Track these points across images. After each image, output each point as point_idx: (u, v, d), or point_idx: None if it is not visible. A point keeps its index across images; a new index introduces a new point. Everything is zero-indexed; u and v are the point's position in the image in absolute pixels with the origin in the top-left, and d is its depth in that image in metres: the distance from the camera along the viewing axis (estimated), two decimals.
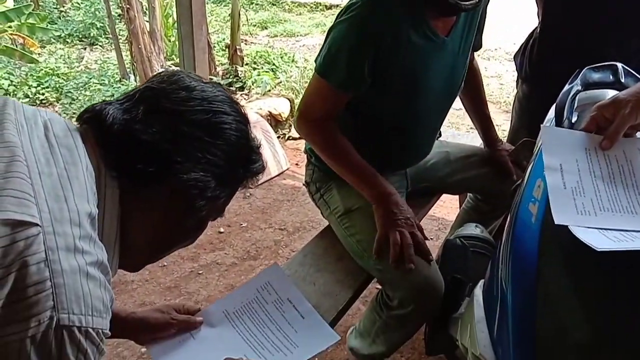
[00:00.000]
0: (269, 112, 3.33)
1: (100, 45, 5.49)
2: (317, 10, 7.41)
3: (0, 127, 0.59)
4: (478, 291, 1.09)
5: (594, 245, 0.69)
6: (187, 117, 0.68)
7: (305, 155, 1.53)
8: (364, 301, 1.86)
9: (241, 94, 3.86)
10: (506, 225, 1.09)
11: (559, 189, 0.85)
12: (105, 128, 0.66)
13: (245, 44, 5.29)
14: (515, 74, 1.80)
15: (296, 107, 1.34)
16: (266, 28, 6.46)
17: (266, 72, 4.26)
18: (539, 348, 0.82)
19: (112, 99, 0.75)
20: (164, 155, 0.66)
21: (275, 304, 1.11)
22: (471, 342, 0.99)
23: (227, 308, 1.10)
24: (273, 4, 7.54)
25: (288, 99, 3.54)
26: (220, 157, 0.70)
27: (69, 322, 0.52)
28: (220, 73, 4.16)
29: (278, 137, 3.21)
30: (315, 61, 1.28)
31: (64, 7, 6.30)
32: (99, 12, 5.85)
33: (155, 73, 0.76)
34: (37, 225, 0.53)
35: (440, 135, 1.59)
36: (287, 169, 2.95)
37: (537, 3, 1.64)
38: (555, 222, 0.75)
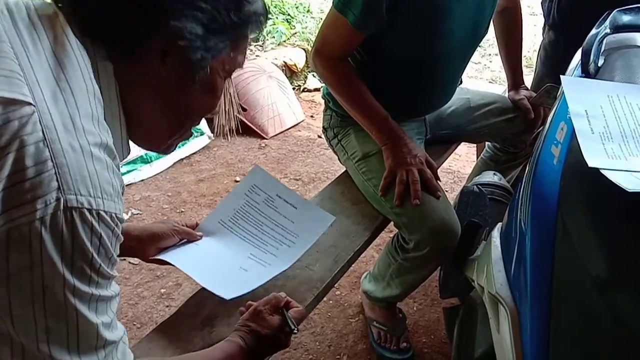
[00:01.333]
0: (284, 62, 3.29)
1: None
2: None
3: None
4: (496, 234, 1.10)
5: (626, 186, 0.69)
6: None
7: (323, 102, 1.52)
8: (378, 249, 1.89)
9: (255, 45, 3.81)
10: (527, 168, 1.09)
11: (587, 133, 0.85)
12: None
13: None
14: (541, 22, 1.76)
15: (312, 43, 1.31)
16: None
17: (281, 22, 4.19)
18: (556, 286, 0.83)
19: None
20: (140, 2, 0.59)
21: (266, 202, 1.14)
22: (487, 282, 1.01)
23: (222, 217, 1.14)
24: None
25: (303, 50, 3.48)
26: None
27: (77, 203, 0.50)
28: None
29: (293, 89, 3.19)
30: None
31: None
32: None
33: None
34: (30, 104, 0.50)
35: (461, 82, 1.57)
36: (302, 121, 2.94)
37: None
38: (589, 165, 0.75)
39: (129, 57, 0.61)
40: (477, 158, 1.97)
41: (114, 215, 0.54)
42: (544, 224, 0.89)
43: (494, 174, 1.51)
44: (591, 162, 0.76)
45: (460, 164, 2.57)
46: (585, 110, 0.88)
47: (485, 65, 3.89)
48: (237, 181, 2.37)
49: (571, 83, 0.96)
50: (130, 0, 0.59)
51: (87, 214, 0.51)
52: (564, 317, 0.80)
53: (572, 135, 0.93)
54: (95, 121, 0.55)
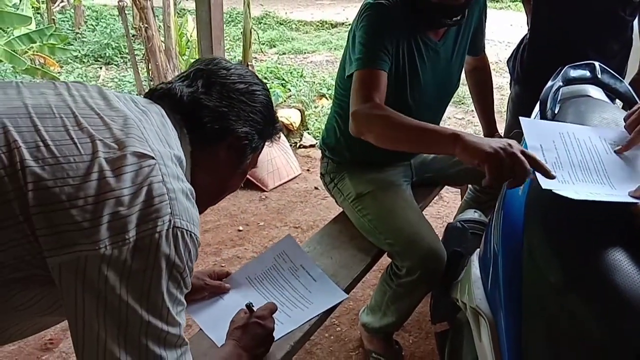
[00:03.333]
0: (281, 122, 3.52)
1: (115, 65, 5.71)
2: (322, 29, 7.66)
3: (106, 100, 0.78)
4: (474, 257, 1.25)
5: (573, 197, 0.85)
6: (233, 87, 0.89)
7: (318, 157, 1.69)
8: (373, 287, 2.01)
9: None
10: (497, 202, 1.26)
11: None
12: (177, 99, 0.85)
13: (256, 61, 5.51)
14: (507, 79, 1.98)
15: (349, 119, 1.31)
16: (275, 46, 6.69)
17: (277, 86, 4.46)
18: (525, 296, 0.97)
19: None
20: (223, 116, 0.86)
21: (290, 270, 1.29)
22: (469, 298, 1.15)
23: (250, 274, 1.28)
24: (280, 24, 7.80)
25: (299, 110, 3.72)
26: (259, 116, 0.91)
27: (180, 225, 0.69)
28: None
29: (290, 145, 3.38)
30: (343, 76, 1.42)
31: (79, 28, 6.57)
32: (114, 33, 6.10)
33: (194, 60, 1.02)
34: (153, 158, 0.70)
35: None
36: (299, 174, 3.12)
37: (526, 12, 1.83)
38: (543, 187, 0.90)
39: (206, 145, 0.87)
40: (462, 200, 2.15)
41: (198, 238, 0.73)
42: (512, 246, 1.04)
43: (475, 211, 1.67)
44: (545, 185, 0.92)
45: (448, 210, 2.73)
46: (540, 145, 1.04)
47: (469, 120, 4.14)
48: (240, 230, 2.52)
49: (529, 123, 1.13)
50: (221, 113, 0.87)
51: (185, 233, 0.70)
52: (532, 321, 0.93)
53: (533, 170, 1.09)
54: (184, 176, 0.76)
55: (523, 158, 0.98)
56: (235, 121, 0.88)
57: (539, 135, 1.09)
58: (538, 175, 0.97)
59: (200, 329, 1.14)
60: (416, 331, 1.87)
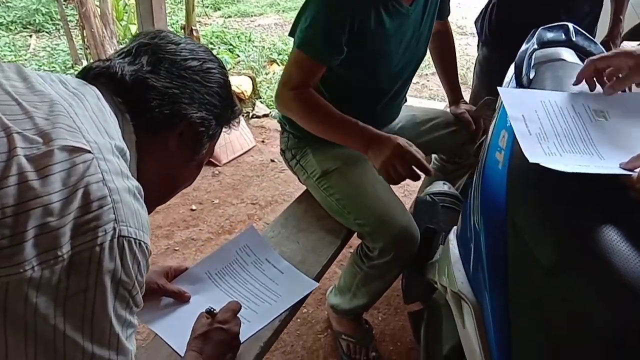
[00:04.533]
0: (232, 90, 3.34)
1: (47, 32, 5.26)
2: None
3: (27, 82, 0.64)
4: (452, 237, 1.18)
5: (565, 170, 0.79)
6: (184, 65, 0.76)
7: (272, 128, 1.59)
8: (340, 264, 1.95)
9: None
10: (475, 175, 1.19)
11: (525, 134, 0.94)
12: (118, 79, 0.71)
13: (200, 25, 5.23)
14: (471, 41, 1.90)
15: (276, 84, 1.37)
16: (219, 9, 6.37)
17: (225, 51, 4.25)
18: (511, 277, 0.91)
19: None
20: (174, 99, 0.73)
21: (255, 264, 1.19)
22: (450, 282, 1.09)
23: (210, 270, 1.17)
24: None
25: (249, 77, 3.55)
26: (216, 98, 0.79)
27: (127, 233, 0.58)
28: None
29: (242, 116, 3.23)
30: (292, 35, 1.33)
31: None
32: None
33: (135, 34, 0.86)
34: (89, 152, 0.58)
35: (405, 100, 1.68)
36: (254, 147, 2.98)
37: None
38: (530, 161, 0.84)
39: (152, 133, 0.73)
40: None
41: (148, 247, 0.62)
42: (495, 224, 0.98)
43: (444, 183, 1.61)
44: (532, 159, 0.85)
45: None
46: (522, 115, 0.97)
47: (423, 84, 4.09)
48: (193, 210, 2.38)
49: (508, 93, 1.06)
50: (171, 95, 0.74)
51: (134, 243, 0.58)
52: (520, 305, 0.88)
53: (513, 141, 1.03)
54: (129, 171, 0.64)
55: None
56: (188, 105, 0.75)
57: (520, 105, 1.02)
58: (524, 148, 0.91)
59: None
60: (385, 307, 1.83)
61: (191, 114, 0.75)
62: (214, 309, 0.95)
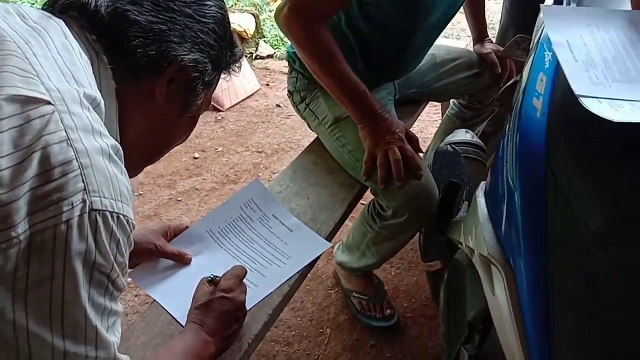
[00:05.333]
0: (233, 29, 3.15)
1: None
2: None
3: None
4: (480, 193, 1.07)
5: (612, 118, 0.68)
6: None
7: (278, 69, 1.45)
8: (351, 217, 1.85)
9: None
10: (508, 126, 1.07)
11: (571, 62, 0.83)
12: (91, 12, 0.58)
13: None
14: None
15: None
16: None
17: None
18: (551, 242, 0.81)
19: None
20: (161, 37, 0.60)
21: (261, 220, 1.09)
22: (477, 244, 0.99)
23: (212, 228, 1.07)
24: None
25: (252, 15, 3.35)
26: (212, 37, 0.66)
27: (101, 205, 0.48)
28: None
29: (245, 57, 3.06)
30: None
31: None
32: None
33: None
34: (49, 102, 0.47)
35: None
36: (258, 90, 2.84)
37: None
38: (575, 93, 0.72)
39: (135, 80, 0.61)
40: (442, 116, 1.95)
41: (130, 220, 0.52)
42: (533, 181, 0.87)
43: (466, 131, 1.48)
44: (578, 90, 0.74)
45: (423, 125, 2.55)
46: (567, 40, 0.86)
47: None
48: (195, 158, 2.27)
49: (550, 13, 0.93)
50: (157, 32, 0.60)
51: (110, 217, 0.49)
52: (562, 274, 0.79)
53: (552, 85, 0.91)
54: (104, 127, 0.53)
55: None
56: (178, 44, 0.62)
57: (565, 29, 0.90)
58: (569, 76, 0.80)
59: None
60: (398, 262, 1.75)
61: (182, 56, 0.62)
62: (216, 276, 0.86)
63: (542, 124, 0.89)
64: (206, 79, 0.67)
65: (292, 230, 1.08)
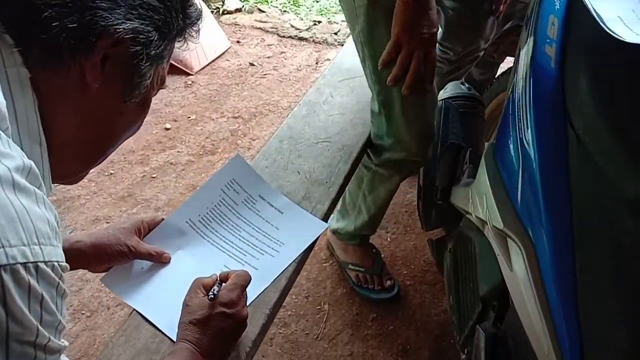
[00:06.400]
0: None
1: None
2: None
3: None
4: (487, 156, 0.98)
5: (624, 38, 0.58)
6: None
7: (247, 25, 1.30)
8: None
9: None
10: (519, 75, 0.96)
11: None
12: None
13: None
14: None
15: None
16: None
17: None
18: (577, 212, 0.72)
19: None
20: (84, 3, 0.46)
21: (245, 203, 0.98)
22: (491, 215, 0.90)
23: (191, 217, 0.95)
24: None
25: None
26: None
27: (7, 259, 0.36)
28: None
29: (212, 13, 2.86)
30: None
31: None
32: None
33: None
34: None
35: None
36: (229, 49, 2.66)
37: None
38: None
39: (56, 63, 0.47)
40: None
41: (56, 264, 0.40)
42: (553, 142, 0.78)
43: (462, 83, 1.37)
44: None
45: None
46: None
47: None
48: (167, 129, 2.13)
49: None
50: None
51: (23, 270, 0.37)
52: (591, 247, 0.70)
53: (565, 28, 0.80)
54: (6, 142, 0.41)
55: None
56: (109, 10, 0.48)
57: None
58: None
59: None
60: (393, 227, 1.67)
61: (115, 26, 0.49)
62: (217, 291, 0.74)
63: (558, 76, 0.78)
64: (152, 52, 0.53)
65: (282, 213, 0.98)
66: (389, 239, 1.64)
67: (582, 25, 0.77)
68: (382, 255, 1.53)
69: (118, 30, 0.48)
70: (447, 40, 1.53)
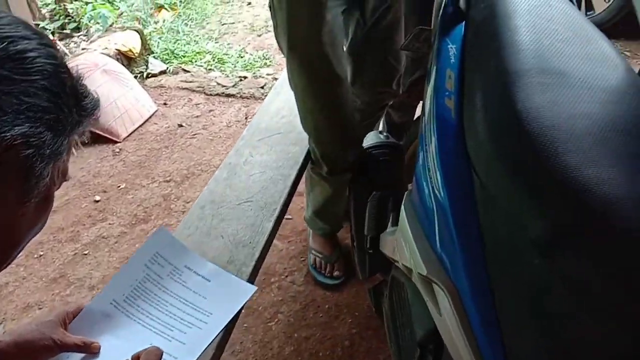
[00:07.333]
0: (117, 50, 2.93)
1: None
2: None
3: None
4: (406, 204, 1.01)
5: None
6: None
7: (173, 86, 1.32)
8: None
9: (79, 36, 3.36)
10: (424, 129, 1.01)
11: None
12: None
13: None
14: None
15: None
16: None
17: (102, 4, 3.73)
18: (490, 255, 0.76)
19: None
20: None
21: (171, 275, 0.96)
22: (414, 262, 0.93)
23: (115, 297, 0.93)
24: None
25: (136, 31, 3.13)
26: (43, 97, 0.53)
27: None
28: (47, 15, 3.56)
29: (135, 77, 2.86)
30: None
31: None
32: None
33: None
34: None
35: None
36: (155, 112, 2.66)
37: None
38: None
39: None
40: None
41: None
42: (461, 189, 0.82)
43: (380, 132, 1.43)
44: None
45: None
46: None
47: None
48: (97, 201, 2.07)
49: None
50: None
51: None
52: (506, 286, 0.74)
53: (460, 81, 0.86)
54: None
55: None
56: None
57: None
58: None
59: None
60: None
61: (2, 134, 0.49)
62: None
63: (459, 126, 0.84)
64: (47, 151, 0.53)
65: (210, 280, 0.97)
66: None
67: (475, 78, 0.83)
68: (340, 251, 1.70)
69: (6, 138, 0.49)
70: (354, 87, 1.61)
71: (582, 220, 0.60)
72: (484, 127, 0.76)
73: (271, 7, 1.21)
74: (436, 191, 0.89)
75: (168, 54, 3.18)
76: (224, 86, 2.87)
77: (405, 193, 1.04)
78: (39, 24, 3.25)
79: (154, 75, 3.01)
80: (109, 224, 1.95)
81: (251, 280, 1.02)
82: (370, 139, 1.39)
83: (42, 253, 1.84)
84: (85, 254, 1.83)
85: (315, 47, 1.19)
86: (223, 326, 0.90)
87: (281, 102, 1.57)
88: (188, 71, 3.05)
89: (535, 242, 0.67)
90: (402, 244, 0.99)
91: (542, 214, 0.67)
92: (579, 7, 3.06)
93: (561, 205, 0.64)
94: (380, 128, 1.74)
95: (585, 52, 0.81)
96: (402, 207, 1.01)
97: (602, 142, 0.66)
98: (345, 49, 1.42)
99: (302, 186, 1.55)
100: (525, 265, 0.69)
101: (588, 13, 3.03)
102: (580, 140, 0.65)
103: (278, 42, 1.25)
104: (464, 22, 0.95)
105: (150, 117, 2.61)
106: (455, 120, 0.86)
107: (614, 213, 0.58)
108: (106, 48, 2.90)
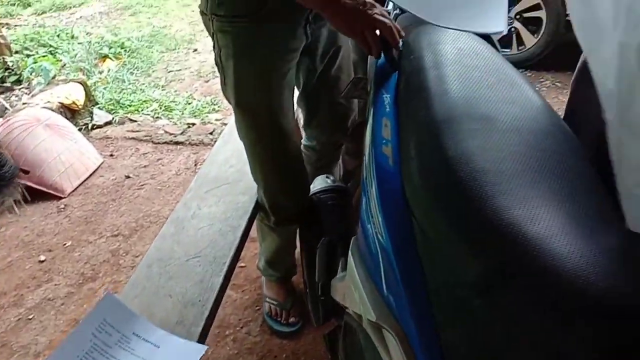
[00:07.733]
0: (60, 103, 2.88)
1: None
2: None
3: None
4: (354, 250, 1.03)
5: None
6: None
7: (119, 137, 1.30)
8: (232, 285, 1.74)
9: (20, 89, 3.29)
10: (365, 175, 1.04)
11: None
12: None
13: (8, 28, 4.51)
14: None
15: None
16: (30, 5, 5.59)
17: (44, 56, 3.68)
18: (434, 299, 0.78)
19: None
20: None
21: (120, 344, 0.94)
22: (363, 309, 0.94)
23: None
24: None
25: (80, 83, 3.09)
26: None
27: None
28: None
29: (80, 130, 2.81)
30: None
31: None
32: None
33: None
34: None
35: None
36: (102, 164, 2.61)
37: None
38: None
39: None
40: None
41: None
42: (401, 235, 0.84)
43: (326, 176, 1.45)
44: None
45: None
46: None
47: None
48: (42, 261, 2.00)
49: None
50: None
51: None
52: (450, 328, 0.75)
53: (397, 129, 0.89)
54: None
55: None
56: None
57: None
58: None
59: None
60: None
61: None
62: None
63: (396, 173, 0.86)
64: None
65: (159, 347, 0.95)
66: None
67: (409, 127, 0.86)
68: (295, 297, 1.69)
69: None
70: (309, 129, 1.64)
71: (514, 259, 0.63)
72: (418, 174, 0.79)
73: (218, 63, 1.21)
74: (379, 235, 0.91)
75: (113, 104, 3.15)
76: (172, 134, 2.86)
77: (353, 238, 1.06)
78: None
79: (100, 127, 2.97)
80: (55, 284, 1.88)
81: (202, 340, 1.00)
82: (317, 184, 1.41)
83: None
84: (30, 319, 1.74)
85: (263, 102, 1.20)
86: None
87: (229, 151, 1.58)
88: (135, 120, 3.03)
89: (473, 284, 0.69)
90: (351, 290, 1.00)
91: (476, 256, 0.69)
92: (512, 44, 3.24)
93: (494, 246, 0.66)
94: (339, 176, 1.77)
95: (510, 96, 0.87)
96: (350, 252, 1.03)
97: (529, 183, 0.69)
98: (297, 97, 1.45)
99: (255, 232, 1.55)
100: (466, 306, 0.71)
101: (520, 48, 3.21)
102: (509, 182, 0.69)
103: (225, 95, 1.26)
104: (396, 72, 0.99)
105: (96, 169, 2.56)
106: (393, 168, 0.89)
107: (545, 251, 0.60)
108: (49, 102, 2.85)
